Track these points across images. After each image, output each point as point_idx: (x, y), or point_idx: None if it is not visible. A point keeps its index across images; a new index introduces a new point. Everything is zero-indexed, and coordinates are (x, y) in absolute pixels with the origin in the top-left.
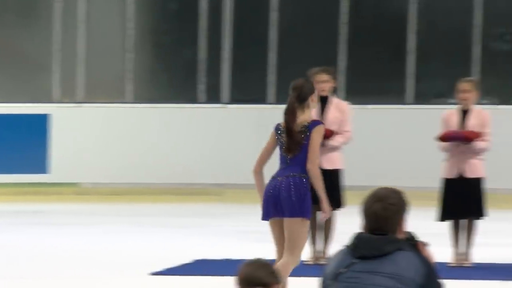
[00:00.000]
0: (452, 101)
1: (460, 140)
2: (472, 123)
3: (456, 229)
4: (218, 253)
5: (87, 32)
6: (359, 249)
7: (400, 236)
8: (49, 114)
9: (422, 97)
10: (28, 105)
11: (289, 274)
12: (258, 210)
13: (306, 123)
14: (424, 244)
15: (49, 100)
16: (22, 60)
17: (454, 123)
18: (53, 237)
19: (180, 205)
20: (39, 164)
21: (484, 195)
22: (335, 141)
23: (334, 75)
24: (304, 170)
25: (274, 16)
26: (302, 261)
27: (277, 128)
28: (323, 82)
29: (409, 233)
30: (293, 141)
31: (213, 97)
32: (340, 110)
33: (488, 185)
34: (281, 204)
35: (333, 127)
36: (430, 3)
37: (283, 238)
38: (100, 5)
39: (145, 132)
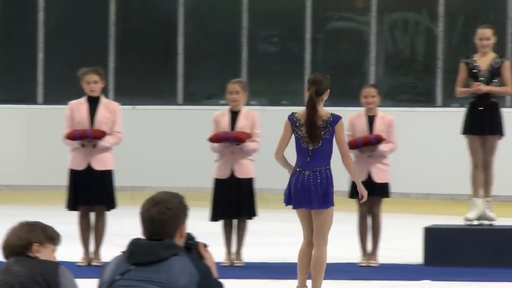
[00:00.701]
0: (223, 102)
1: (231, 141)
2: (242, 124)
3: (228, 228)
4: None
5: None
6: (135, 255)
7: (180, 241)
8: None
9: (192, 98)
10: None
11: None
12: None
13: (327, 118)
14: (205, 246)
15: None
16: None
17: (225, 124)
18: None
19: None
20: None
21: (254, 195)
22: (105, 141)
23: (103, 75)
24: (327, 163)
25: (41, 17)
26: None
27: (292, 119)
28: (94, 83)
29: (189, 234)
30: (316, 135)
31: None
32: (111, 111)
33: (258, 185)
34: (310, 197)
35: (103, 128)
36: (198, 5)
37: (311, 224)
38: None
39: None
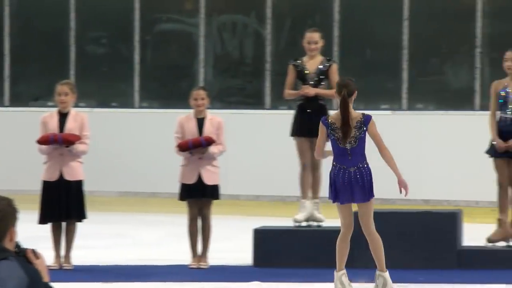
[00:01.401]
0: (50, 103)
1: (60, 143)
2: (71, 126)
3: (56, 231)
4: None
5: None
6: None
7: (10, 245)
8: None
9: (19, 100)
10: None
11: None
12: None
13: (359, 118)
14: (34, 252)
15: None
16: None
17: (53, 126)
18: None
19: None
20: None
21: (84, 197)
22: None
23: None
24: (365, 158)
25: None
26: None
27: (326, 123)
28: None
29: (16, 242)
30: (352, 135)
31: None
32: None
33: (88, 188)
34: (355, 191)
35: None
36: (23, 6)
37: (351, 216)
38: None
39: None
